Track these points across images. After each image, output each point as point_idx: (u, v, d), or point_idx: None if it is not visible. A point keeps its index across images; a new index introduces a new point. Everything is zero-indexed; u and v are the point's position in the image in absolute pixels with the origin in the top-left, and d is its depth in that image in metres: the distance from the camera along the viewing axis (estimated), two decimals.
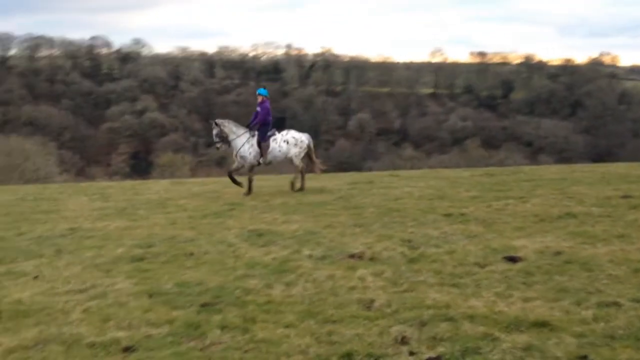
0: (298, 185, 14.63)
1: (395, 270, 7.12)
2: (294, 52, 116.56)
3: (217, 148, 14.94)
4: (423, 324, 5.42)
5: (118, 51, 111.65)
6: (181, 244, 8.95)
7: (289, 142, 14.58)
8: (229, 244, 8.85)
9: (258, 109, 14.59)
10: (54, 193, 16.17)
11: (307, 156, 14.96)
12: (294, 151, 14.56)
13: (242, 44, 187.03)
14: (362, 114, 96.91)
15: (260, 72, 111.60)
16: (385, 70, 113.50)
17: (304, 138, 14.85)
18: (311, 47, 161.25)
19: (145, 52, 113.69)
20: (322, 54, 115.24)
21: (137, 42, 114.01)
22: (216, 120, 14.60)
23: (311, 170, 15.19)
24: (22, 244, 9.27)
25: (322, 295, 6.27)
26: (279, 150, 14.48)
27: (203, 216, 11.42)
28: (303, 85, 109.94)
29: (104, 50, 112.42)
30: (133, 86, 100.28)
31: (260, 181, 17.75)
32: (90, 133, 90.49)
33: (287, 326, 5.45)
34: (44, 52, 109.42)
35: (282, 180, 17.66)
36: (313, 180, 15.28)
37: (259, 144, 14.26)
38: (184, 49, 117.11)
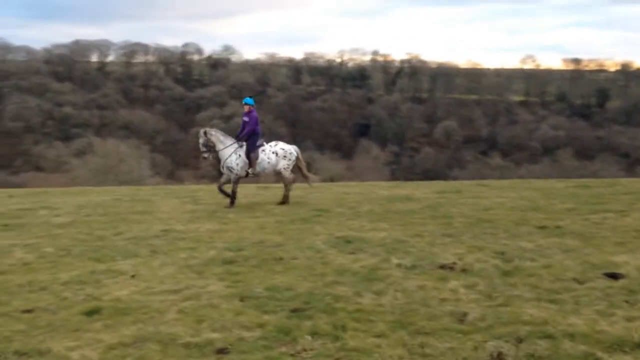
0: (286, 197, 14.17)
1: (489, 283, 6.92)
2: (380, 59, 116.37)
3: (204, 158, 14.36)
4: (520, 341, 5.22)
5: (209, 57, 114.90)
6: (270, 248, 9.04)
7: (278, 153, 14.14)
8: (317, 249, 8.87)
9: (245, 118, 14.12)
10: (148, 195, 16.74)
11: (297, 168, 14.60)
12: (282, 163, 14.14)
13: (329, 50, 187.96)
14: (449, 122, 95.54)
15: (346, 78, 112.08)
16: (474, 76, 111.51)
17: (292, 150, 14.40)
18: (398, 54, 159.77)
19: (234, 58, 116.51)
20: (409, 61, 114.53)
21: (227, 48, 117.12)
22: (205, 129, 14.20)
23: (305, 178, 14.89)
24: (119, 244, 9.62)
25: (413, 306, 6.16)
26: (268, 162, 14.04)
27: (291, 221, 11.52)
28: (388, 92, 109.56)
29: (196, 57, 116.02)
30: (222, 92, 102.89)
31: (345, 188, 17.78)
32: (181, 137, 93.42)
33: (378, 336, 5.38)
34: (139, 59, 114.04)
35: (367, 188, 17.61)
36: (399, 189, 15.14)
37: (248, 155, 13.83)
38: (271, 55, 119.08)
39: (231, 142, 13.97)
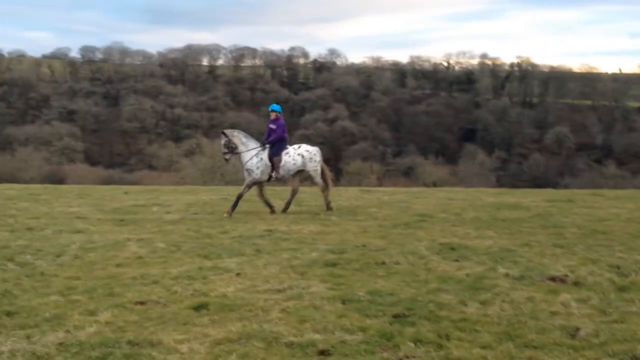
0: (329, 203, 13.84)
1: (603, 298, 6.55)
2: (488, 62, 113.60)
3: (226, 160, 14.30)
4: (636, 359, 4.90)
5: (314, 61, 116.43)
6: (372, 252, 8.99)
7: (304, 155, 13.75)
8: (420, 255, 8.73)
9: (272, 126, 13.83)
10: (252, 195, 17.11)
11: (322, 171, 14.16)
12: (311, 165, 13.79)
13: (436, 54, 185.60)
14: (561, 127, 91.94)
15: (452, 82, 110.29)
16: (589, 81, 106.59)
17: (316, 151, 14.03)
18: (507, 57, 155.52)
19: (339, 62, 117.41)
20: (519, 64, 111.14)
21: (333, 52, 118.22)
22: (224, 130, 13.99)
23: (325, 182, 14.17)
24: (225, 242, 9.89)
25: (521, 318, 5.93)
26: (294, 164, 13.64)
27: (393, 226, 11.43)
28: (497, 96, 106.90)
29: (301, 60, 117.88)
30: (326, 95, 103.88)
31: (449, 194, 17.45)
32: None
33: (483, 347, 5.21)
34: (247, 62, 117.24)
35: (472, 194, 17.21)
36: (507, 196, 14.68)
37: (271, 159, 13.49)
38: (376, 59, 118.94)
39: (254, 145, 13.67)
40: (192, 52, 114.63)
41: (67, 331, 5.63)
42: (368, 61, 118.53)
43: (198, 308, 6.27)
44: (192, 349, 5.20)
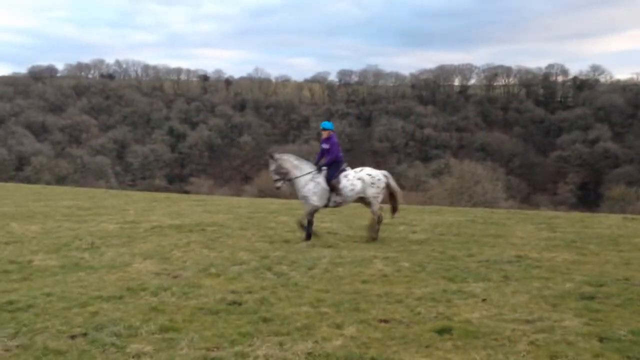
0: (373, 234, 12.32)
1: None
2: None
3: (277, 188, 12.45)
4: None
5: (574, 79, 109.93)
6: (636, 287, 8.08)
7: (365, 180, 12.19)
8: None
9: (324, 145, 12.34)
10: (502, 218, 16.54)
11: (389, 196, 12.69)
12: (371, 192, 12.20)
13: None
14: None
15: None
16: None
17: (380, 176, 12.41)
18: None
19: (603, 79, 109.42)
20: None
21: (596, 68, 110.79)
22: (273, 154, 12.45)
23: (394, 210, 12.88)
24: (471, 265, 9.63)
25: None
26: (351, 189, 12.10)
27: None
28: None
29: (560, 78, 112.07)
30: (587, 114, 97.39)
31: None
32: (539, 161, 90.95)
33: None
34: (500, 81, 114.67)
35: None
36: None
37: (329, 182, 12.02)
38: None
39: (309, 168, 12.26)
40: (444, 72, 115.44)
41: (316, 342, 5.88)
42: (636, 77, 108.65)
43: (441, 332, 6.15)
44: None
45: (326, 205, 12.21)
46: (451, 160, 61.94)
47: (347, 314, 6.83)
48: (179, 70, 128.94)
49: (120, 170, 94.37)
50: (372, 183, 12.22)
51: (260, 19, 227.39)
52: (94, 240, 11.83)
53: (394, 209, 12.90)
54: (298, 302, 7.37)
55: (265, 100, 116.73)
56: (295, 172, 12.15)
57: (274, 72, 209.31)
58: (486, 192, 47.58)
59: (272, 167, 12.23)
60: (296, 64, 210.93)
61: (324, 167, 12.18)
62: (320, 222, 14.09)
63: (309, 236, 11.99)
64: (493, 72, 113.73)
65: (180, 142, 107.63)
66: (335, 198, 12.07)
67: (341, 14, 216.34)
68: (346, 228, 14.04)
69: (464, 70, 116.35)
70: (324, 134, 12.39)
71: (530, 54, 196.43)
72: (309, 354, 5.57)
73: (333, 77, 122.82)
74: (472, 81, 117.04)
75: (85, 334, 6.07)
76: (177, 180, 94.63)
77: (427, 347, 5.76)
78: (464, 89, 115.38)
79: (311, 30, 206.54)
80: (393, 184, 12.65)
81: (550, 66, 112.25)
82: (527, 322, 6.51)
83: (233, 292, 7.81)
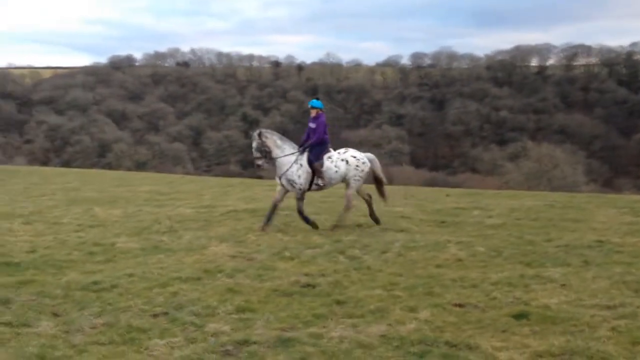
0: (340, 221, 11.73)
1: None
2: None
3: (258, 165, 11.72)
4: None
5: None
6: None
7: (349, 162, 11.61)
8: None
9: (312, 125, 11.62)
10: (582, 202, 15.99)
11: (374, 180, 12.27)
12: (353, 174, 11.61)
13: None
14: None
15: None
16: None
17: (365, 159, 11.81)
18: None
19: None
20: None
21: None
22: (258, 131, 11.75)
23: (382, 195, 12.24)
24: (549, 250, 9.38)
25: None
26: (335, 171, 11.54)
27: None
28: None
29: None
30: None
31: None
32: (622, 143, 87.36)
33: None
34: (580, 61, 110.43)
35: None
36: None
37: (311, 164, 11.38)
38: None
39: (291, 149, 11.60)
40: (521, 52, 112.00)
41: (389, 325, 5.90)
42: None
43: (518, 317, 6.05)
44: (511, 357, 5.05)
45: (308, 189, 11.67)
46: (528, 143, 60.14)
47: (421, 298, 6.81)
48: (251, 57, 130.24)
49: (196, 156, 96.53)
50: (357, 166, 11.68)
51: (331, 3, 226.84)
52: (173, 224, 12.22)
53: (382, 194, 12.39)
54: (371, 285, 7.39)
55: (337, 85, 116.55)
56: (277, 152, 11.55)
57: (345, 56, 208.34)
58: (565, 175, 46.10)
59: (254, 144, 11.64)
60: (367, 48, 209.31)
61: (307, 150, 11.61)
62: (393, 207, 14.01)
63: (313, 224, 11.57)
64: (572, 52, 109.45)
65: (253, 128, 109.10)
66: (318, 181, 11.53)
67: None
68: (419, 212, 13.92)
69: (542, 50, 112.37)
70: (313, 113, 11.75)
71: (611, 32, 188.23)
72: (383, 336, 5.60)
73: (405, 61, 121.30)
74: (551, 61, 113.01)
75: (166, 313, 6.31)
76: (251, 165, 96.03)
77: (503, 331, 5.68)
78: (541, 69, 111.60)
79: (382, 13, 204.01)
80: (378, 168, 12.20)
81: (634, 44, 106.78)
82: (608, 307, 6.31)
83: (307, 274, 7.92)
